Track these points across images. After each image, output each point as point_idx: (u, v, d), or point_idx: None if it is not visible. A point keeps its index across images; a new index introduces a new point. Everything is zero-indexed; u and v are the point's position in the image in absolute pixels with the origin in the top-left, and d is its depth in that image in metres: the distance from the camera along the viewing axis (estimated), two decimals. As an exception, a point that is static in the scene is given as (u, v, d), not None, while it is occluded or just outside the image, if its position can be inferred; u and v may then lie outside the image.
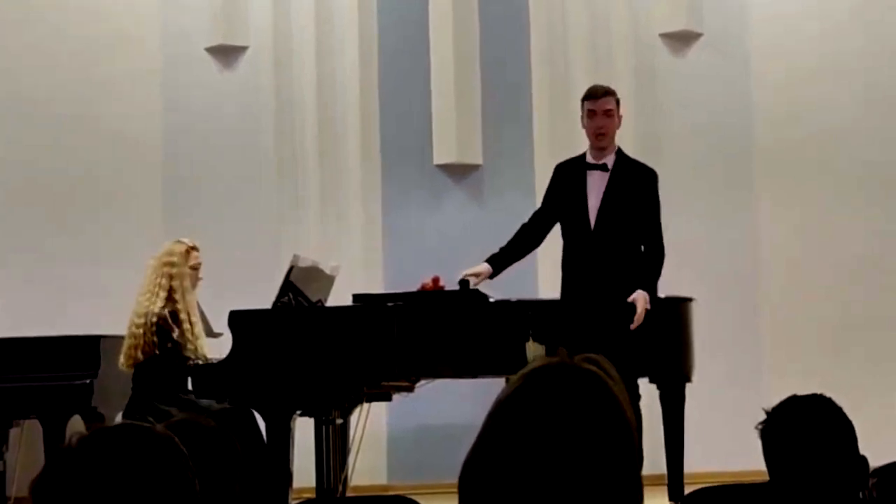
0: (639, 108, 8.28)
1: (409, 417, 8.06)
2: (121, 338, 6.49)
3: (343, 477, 6.52)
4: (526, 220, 6.56)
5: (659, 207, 6.30)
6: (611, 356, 1.54)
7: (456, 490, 1.47)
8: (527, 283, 7.64)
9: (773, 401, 2.63)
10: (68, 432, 6.55)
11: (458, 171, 8.61)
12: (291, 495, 6.03)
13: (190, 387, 6.29)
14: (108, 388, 6.80)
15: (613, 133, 6.37)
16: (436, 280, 6.32)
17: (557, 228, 6.51)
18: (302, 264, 6.26)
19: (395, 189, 8.56)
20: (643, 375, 6.15)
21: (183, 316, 6.42)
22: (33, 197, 8.46)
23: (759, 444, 2.59)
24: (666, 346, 6.24)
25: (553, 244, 6.58)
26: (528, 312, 6.10)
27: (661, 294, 6.28)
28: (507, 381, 1.50)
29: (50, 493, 1.59)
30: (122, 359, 6.42)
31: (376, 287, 7.94)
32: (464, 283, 6.24)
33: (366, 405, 6.52)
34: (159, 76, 8.63)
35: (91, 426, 1.74)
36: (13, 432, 7.14)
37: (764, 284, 8.50)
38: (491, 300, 6.15)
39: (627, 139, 6.85)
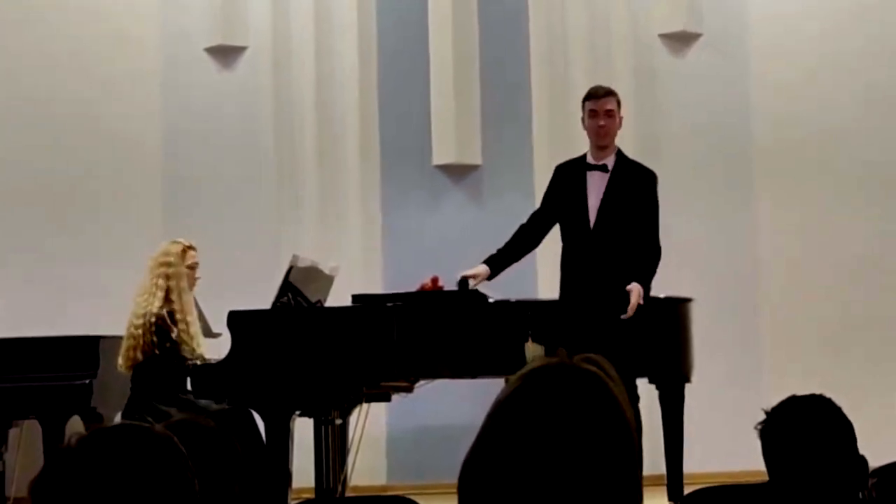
0: (638, 109, 8.28)
1: (408, 418, 8.06)
2: (120, 338, 6.49)
3: (342, 477, 6.52)
4: (525, 220, 6.57)
5: (657, 209, 6.32)
6: (610, 356, 1.54)
7: (455, 490, 1.47)
8: (526, 283, 7.64)
9: (773, 401, 2.63)
10: (67, 433, 6.55)
11: (458, 172, 8.60)
12: (291, 495, 6.03)
13: (189, 387, 6.29)
14: (107, 388, 6.80)
15: (614, 133, 6.39)
16: (435, 280, 6.32)
17: (556, 229, 6.51)
18: (301, 264, 6.26)
19: (395, 189, 8.56)
20: (642, 376, 6.15)
21: (179, 316, 6.42)
22: (33, 197, 8.46)
23: (758, 444, 2.59)
24: (665, 346, 6.24)
25: (553, 245, 6.59)
26: (528, 313, 6.10)
27: (661, 294, 6.29)
28: (507, 381, 1.50)
29: (49, 493, 1.59)
30: (120, 360, 6.42)
31: (375, 287, 7.94)
32: (463, 283, 6.24)
33: (365, 405, 6.52)
34: (159, 76, 8.63)
35: (90, 426, 1.74)
36: (12, 432, 7.14)
37: (764, 284, 8.50)
38: (490, 300, 6.15)
39: (627, 140, 6.84)
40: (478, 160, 8.58)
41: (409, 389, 6.53)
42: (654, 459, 6.52)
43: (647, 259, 6.20)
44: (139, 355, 6.37)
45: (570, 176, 6.40)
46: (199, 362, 6.33)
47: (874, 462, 2.70)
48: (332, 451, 6.22)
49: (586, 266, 6.23)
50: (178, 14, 8.66)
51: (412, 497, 3.66)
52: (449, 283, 6.30)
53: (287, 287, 6.10)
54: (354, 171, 8.56)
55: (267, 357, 5.95)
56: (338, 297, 6.46)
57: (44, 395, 6.76)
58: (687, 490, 5.41)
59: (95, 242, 8.39)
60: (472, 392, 6.77)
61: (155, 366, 6.37)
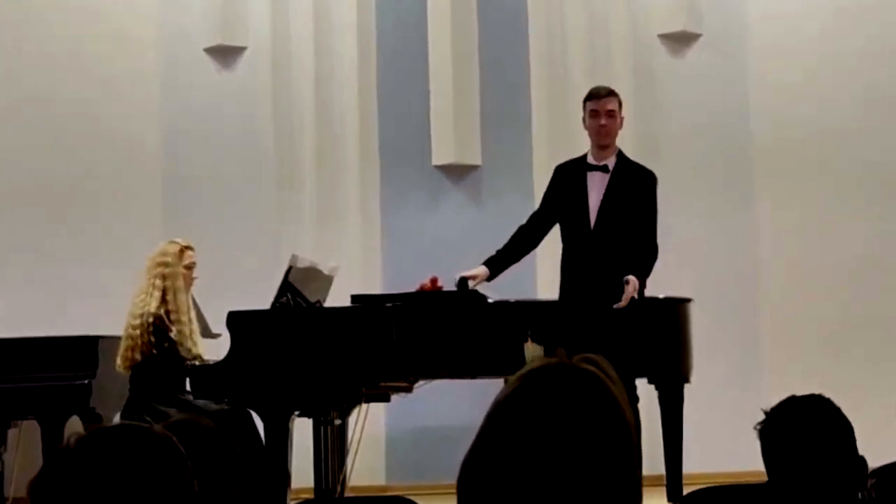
0: (638, 109, 8.27)
1: (407, 418, 8.06)
2: (119, 338, 6.49)
3: (341, 477, 6.51)
4: (524, 221, 6.57)
5: (656, 209, 6.35)
6: (609, 357, 1.54)
7: (454, 491, 1.47)
8: (525, 283, 7.64)
9: (773, 401, 2.63)
10: (66, 433, 6.55)
11: (457, 172, 8.60)
12: (290, 496, 6.03)
13: (188, 387, 6.30)
14: (106, 388, 6.79)
15: (615, 134, 6.42)
16: (434, 281, 6.32)
17: (556, 230, 6.52)
18: (300, 265, 6.26)
19: (394, 190, 8.56)
20: (642, 376, 6.15)
21: (174, 316, 6.42)
22: (33, 197, 8.46)
23: (758, 444, 2.59)
24: (664, 346, 6.23)
25: (552, 245, 6.59)
26: (527, 313, 6.10)
27: (661, 294, 6.29)
28: (506, 381, 1.50)
29: (48, 493, 1.59)
30: (118, 361, 6.42)
31: (375, 288, 7.94)
32: (462, 283, 6.24)
33: (364, 406, 6.52)
34: (159, 76, 8.63)
35: (89, 426, 1.74)
36: (11, 433, 7.13)
37: (764, 284, 8.50)
38: (489, 301, 6.15)
39: (626, 140, 6.85)
40: (477, 160, 8.58)
41: (409, 390, 6.53)
42: (653, 460, 6.53)
43: (643, 257, 6.21)
44: (137, 356, 6.37)
45: (570, 176, 6.42)
46: (197, 363, 6.33)
47: (874, 462, 2.70)
48: (331, 451, 6.21)
49: (586, 266, 6.24)
50: (178, 14, 8.66)
51: (411, 497, 3.66)
52: (448, 284, 6.30)
53: (286, 287, 6.10)
54: (354, 171, 8.55)
55: (266, 357, 5.95)
56: (337, 298, 6.45)
57: (43, 396, 6.76)
58: (686, 490, 5.41)
59: (95, 242, 8.39)
60: (472, 392, 6.77)
61: (153, 366, 6.37)
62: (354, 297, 6.28)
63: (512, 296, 6.26)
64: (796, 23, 8.63)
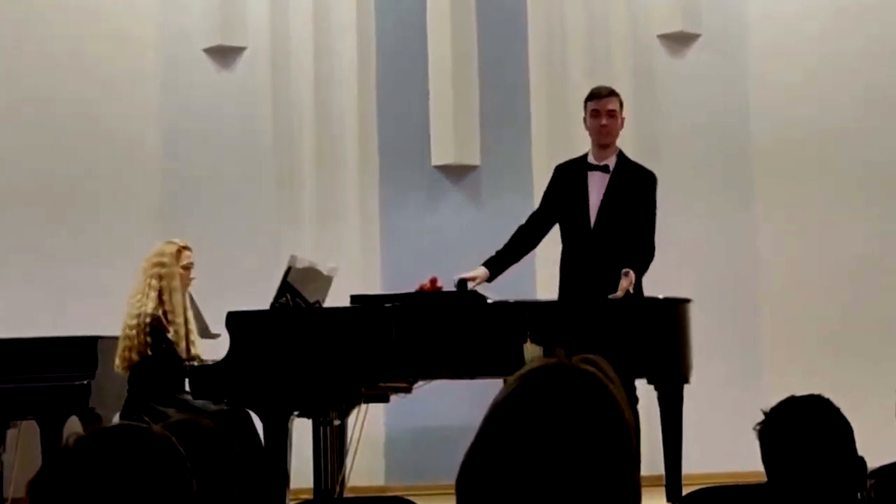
0: (637, 109, 8.27)
1: (406, 418, 8.06)
2: (118, 339, 6.48)
3: (341, 478, 6.51)
4: (524, 221, 6.57)
5: (654, 210, 6.37)
6: (609, 357, 1.54)
7: (453, 491, 1.46)
8: (525, 284, 7.63)
9: (773, 401, 2.63)
10: (65, 433, 6.55)
11: (456, 172, 8.60)
12: (289, 496, 6.02)
13: (187, 388, 6.29)
14: (105, 388, 6.79)
15: (616, 133, 6.43)
16: (433, 281, 6.31)
17: (555, 230, 6.52)
18: (299, 265, 6.26)
19: (393, 190, 8.56)
20: (641, 377, 6.15)
21: (170, 317, 6.42)
22: (33, 197, 8.46)
23: (757, 444, 2.59)
24: (664, 347, 6.23)
25: (552, 245, 6.59)
26: (526, 313, 6.10)
27: (661, 294, 6.30)
28: (505, 382, 1.50)
29: (47, 493, 1.59)
30: (116, 361, 6.42)
31: (374, 288, 7.93)
32: (461, 283, 6.24)
33: (363, 406, 6.51)
34: (158, 76, 8.63)
35: (88, 427, 1.74)
36: (10, 433, 7.13)
37: (764, 284, 8.50)
38: (489, 301, 6.15)
39: (626, 140, 6.85)
40: (476, 161, 8.58)
41: (408, 390, 6.53)
42: (653, 460, 6.53)
43: (639, 256, 6.23)
44: (134, 356, 6.37)
45: (570, 176, 6.43)
46: (195, 363, 6.33)
47: (874, 462, 2.70)
48: (330, 451, 6.21)
49: (586, 266, 6.25)
50: (178, 14, 8.66)
51: (410, 498, 3.66)
52: (447, 284, 6.30)
53: (285, 288, 6.10)
54: (353, 171, 8.55)
55: (265, 358, 5.95)
56: (336, 298, 6.45)
57: (42, 396, 6.75)
58: (686, 490, 5.41)
59: (95, 242, 8.39)
60: (471, 393, 6.77)
61: (151, 366, 6.37)
62: (354, 298, 6.28)
63: (511, 296, 6.26)
64: (796, 23, 8.63)
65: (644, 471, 5.96)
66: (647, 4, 8.67)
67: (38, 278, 8.31)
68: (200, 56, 8.66)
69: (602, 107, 6.39)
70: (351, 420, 6.64)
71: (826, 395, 2.62)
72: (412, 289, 6.33)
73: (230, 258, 8.17)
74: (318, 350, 5.93)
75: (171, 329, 6.41)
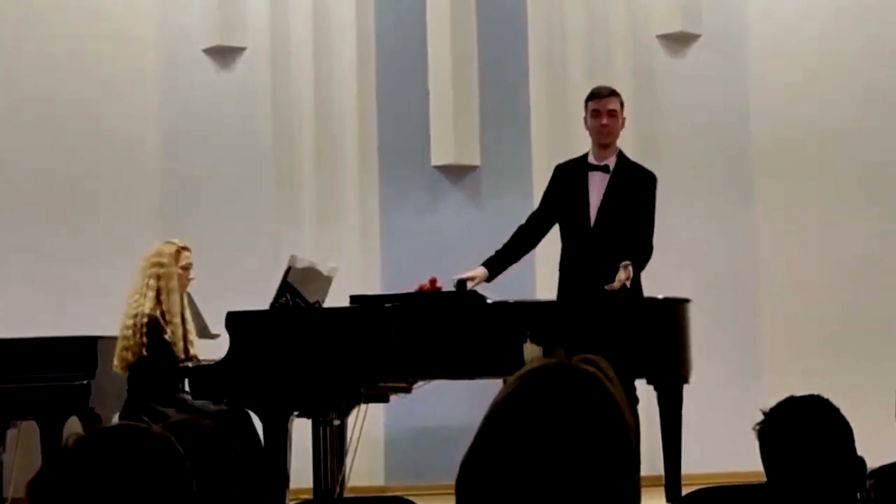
0: (637, 110, 8.27)
1: (406, 419, 8.06)
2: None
3: (340, 478, 6.51)
4: (523, 221, 6.57)
5: (654, 210, 6.38)
6: (608, 357, 1.54)
7: (453, 491, 1.46)
8: (524, 284, 7.63)
9: (773, 401, 2.63)
10: (65, 433, 6.55)
11: (456, 173, 8.60)
12: (289, 496, 6.02)
13: (187, 388, 6.29)
14: (105, 388, 6.79)
15: (617, 133, 6.44)
16: (433, 281, 6.31)
17: (555, 230, 6.52)
18: (299, 265, 6.26)
19: (393, 190, 8.56)
20: (641, 377, 6.15)
21: (167, 317, 6.42)
22: (33, 197, 8.46)
23: (757, 444, 2.59)
24: (663, 347, 6.23)
25: (551, 245, 6.59)
26: (526, 313, 6.09)
27: (660, 294, 6.30)
28: (505, 382, 1.50)
29: (47, 494, 1.59)
30: (115, 361, 6.42)
31: (374, 288, 7.93)
32: (461, 284, 6.24)
33: (363, 406, 6.51)
34: (158, 76, 8.63)
35: (88, 427, 1.74)
36: (10, 433, 7.13)
37: (764, 284, 8.50)
38: (488, 301, 6.15)
39: (626, 140, 6.85)
40: (476, 161, 8.58)
41: (408, 390, 6.53)
42: (652, 460, 6.53)
43: (638, 254, 6.23)
44: (130, 356, 6.37)
45: (570, 175, 6.44)
46: (193, 363, 6.33)
47: (874, 462, 2.70)
48: (330, 451, 6.21)
49: (586, 265, 6.25)
50: (178, 14, 8.66)
51: (410, 498, 3.66)
52: (447, 284, 6.30)
53: (285, 288, 6.10)
54: (353, 171, 8.55)
55: (265, 358, 5.95)
56: (336, 298, 6.45)
57: (42, 396, 6.75)
58: (685, 490, 5.41)
59: (95, 242, 8.39)
60: (471, 393, 6.77)
61: (149, 367, 6.36)
62: (353, 298, 6.28)
63: (511, 296, 6.26)
64: (796, 23, 8.63)
65: (644, 471, 5.96)
66: (646, 4, 8.67)
67: (38, 278, 8.31)
68: (200, 56, 8.66)
69: (603, 107, 6.39)
70: (351, 420, 6.64)
71: (826, 395, 2.62)
72: (412, 289, 6.33)
73: (230, 258, 8.17)
74: (318, 350, 5.93)
75: (168, 329, 6.40)
